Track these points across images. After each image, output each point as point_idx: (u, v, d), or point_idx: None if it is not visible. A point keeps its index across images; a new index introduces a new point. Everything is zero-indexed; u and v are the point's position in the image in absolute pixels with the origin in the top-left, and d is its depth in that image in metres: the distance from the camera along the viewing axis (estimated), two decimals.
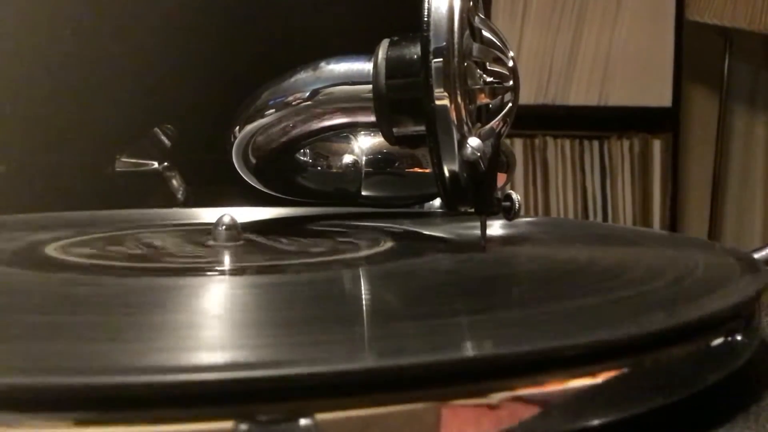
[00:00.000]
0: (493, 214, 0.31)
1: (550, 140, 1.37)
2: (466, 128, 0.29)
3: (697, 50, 1.42)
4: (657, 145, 1.37)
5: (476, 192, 0.30)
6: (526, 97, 1.34)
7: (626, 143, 1.37)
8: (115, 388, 0.14)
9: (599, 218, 1.36)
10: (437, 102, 0.28)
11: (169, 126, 0.68)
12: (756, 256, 0.32)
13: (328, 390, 0.15)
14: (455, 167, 0.29)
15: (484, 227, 0.31)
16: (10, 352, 0.16)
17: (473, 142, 0.28)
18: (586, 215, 1.37)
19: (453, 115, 0.28)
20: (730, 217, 1.51)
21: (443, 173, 0.29)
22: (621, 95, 1.36)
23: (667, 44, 1.35)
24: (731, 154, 1.50)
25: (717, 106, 1.45)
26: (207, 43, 0.71)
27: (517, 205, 0.31)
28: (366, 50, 0.31)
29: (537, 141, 1.37)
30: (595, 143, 1.37)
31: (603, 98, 1.36)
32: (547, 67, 1.36)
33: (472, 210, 0.31)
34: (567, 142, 1.37)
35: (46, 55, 0.68)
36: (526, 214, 1.20)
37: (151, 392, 0.14)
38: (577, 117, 1.36)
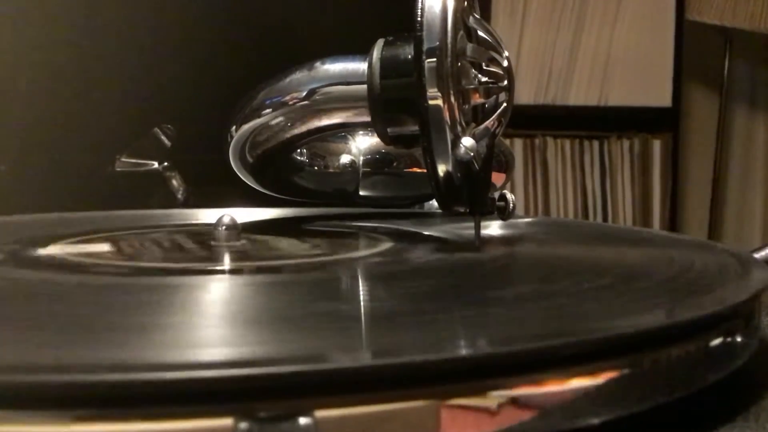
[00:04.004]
0: (488, 214, 0.31)
1: (550, 140, 1.37)
2: (459, 128, 0.29)
3: (697, 50, 1.42)
4: (657, 145, 1.37)
5: (470, 192, 0.30)
6: (526, 97, 1.34)
7: (626, 143, 1.37)
8: (115, 385, 0.14)
9: (599, 218, 1.36)
10: (430, 102, 0.28)
11: (169, 126, 0.68)
12: (756, 256, 0.32)
13: (328, 388, 0.15)
14: (449, 167, 0.29)
15: (478, 227, 0.31)
16: (9, 351, 0.16)
17: (467, 142, 0.28)
18: (586, 215, 1.37)
19: (446, 115, 0.28)
20: (730, 217, 1.51)
21: (437, 173, 0.29)
22: (621, 95, 1.36)
23: (667, 44, 1.35)
24: (731, 154, 1.50)
25: (717, 106, 1.45)
26: (207, 43, 0.71)
27: (511, 205, 0.31)
28: (364, 50, 0.31)
29: (537, 141, 1.37)
30: (595, 143, 1.37)
31: (603, 98, 1.36)
32: (547, 67, 1.36)
33: (467, 210, 0.31)
34: (567, 142, 1.37)
35: (46, 55, 0.68)
36: (526, 214, 1.20)
37: (150, 389, 0.14)
38: (577, 117, 1.36)
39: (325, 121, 0.32)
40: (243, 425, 0.14)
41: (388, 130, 0.31)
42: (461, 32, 0.29)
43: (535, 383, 0.16)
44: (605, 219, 1.36)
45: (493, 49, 0.30)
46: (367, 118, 0.31)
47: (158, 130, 0.68)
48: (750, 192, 1.51)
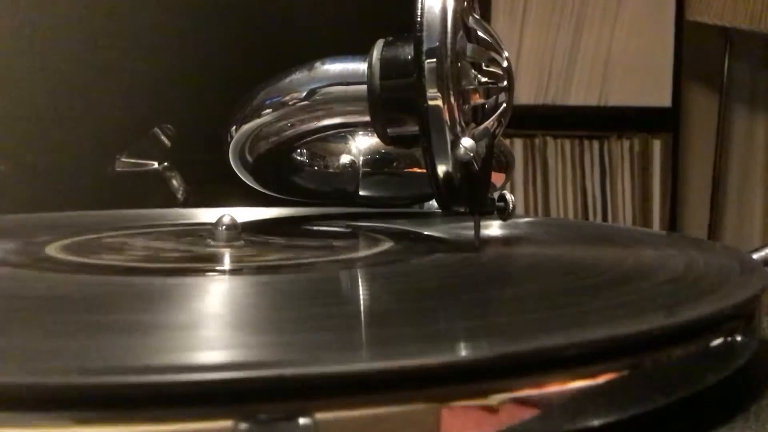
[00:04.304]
0: (487, 214, 0.31)
1: (550, 140, 1.37)
2: (459, 128, 0.29)
3: (697, 50, 1.42)
4: (657, 145, 1.37)
5: (470, 192, 0.30)
6: (526, 97, 1.34)
7: (626, 143, 1.37)
8: (115, 387, 0.14)
9: (599, 218, 1.36)
10: (430, 102, 0.28)
11: (169, 126, 0.68)
12: (756, 256, 0.32)
13: (328, 390, 0.15)
14: (448, 167, 0.29)
15: (477, 227, 0.31)
16: (10, 352, 0.16)
17: (466, 142, 0.28)
18: (586, 215, 1.37)
19: (446, 115, 0.28)
20: (730, 217, 1.51)
21: (436, 173, 0.29)
22: (621, 95, 1.36)
23: (667, 44, 1.35)
24: (731, 154, 1.50)
25: (717, 106, 1.45)
26: (207, 43, 0.71)
27: (511, 205, 0.31)
28: (363, 50, 0.31)
29: (537, 141, 1.37)
30: (595, 143, 1.37)
31: (603, 98, 1.36)
32: (547, 67, 1.36)
33: (466, 210, 0.31)
34: (567, 142, 1.37)
35: (47, 56, 0.68)
36: (526, 214, 1.20)
37: (151, 391, 0.14)
38: (577, 117, 1.36)
39: (325, 121, 0.32)
40: (243, 427, 0.14)
41: (388, 130, 0.31)
42: (461, 33, 0.29)
43: (535, 384, 0.16)
44: (605, 219, 1.36)
45: (492, 49, 0.30)
46: (367, 118, 0.31)
47: (158, 130, 0.68)
48: (750, 192, 1.51)
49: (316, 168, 0.38)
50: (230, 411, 0.14)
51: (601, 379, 0.17)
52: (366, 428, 0.15)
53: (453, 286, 0.26)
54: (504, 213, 0.31)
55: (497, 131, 0.31)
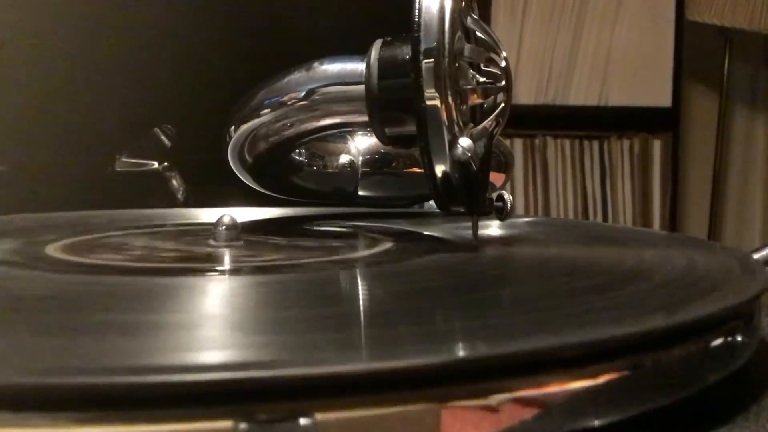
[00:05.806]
0: (485, 214, 0.31)
1: (550, 140, 1.37)
2: (457, 128, 0.29)
3: (697, 50, 1.42)
4: (657, 145, 1.37)
5: (468, 192, 0.30)
6: (526, 97, 1.33)
7: (626, 143, 1.37)
8: (115, 387, 0.14)
9: (599, 218, 1.36)
10: (427, 102, 0.28)
11: (169, 126, 0.68)
12: (756, 256, 0.32)
13: (328, 390, 0.15)
14: (446, 167, 0.29)
15: (476, 227, 0.31)
16: (10, 352, 0.16)
17: (464, 142, 0.28)
18: (586, 215, 1.36)
19: (443, 115, 0.28)
20: (730, 217, 1.51)
21: (434, 173, 0.29)
22: (621, 95, 1.36)
23: (667, 44, 1.35)
24: (731, 154, 1.50)
25: (717, 106, 1.44)
26: (206, 44, 0.71)
27: (509, 205, 0.31)
28: (362, 50, 0.31)
29: (537, 141, 1.37)
30: (595, 143, 1.37)
31: (603, 98, 1.36)
32: (547, 67, 1.35)
33: (464, 210, 0.31)
34: (567, 142, 1.37)
35: (47, 56, 0.68)
36: (526, 214, 1.20)
37: (150, 392, 0.14)
38: (577, 117, 1.36)
39: (324, 121, 0.32)
40: (243, 427, 0.14)
41: (386, 130, 0.31)
42: (459, 33, 0.29)
43: (535, 385, 0.16)
44: (605, 219, 1.36)
45: (491, 49, 0.30)
46: (366, 118, 0.31)
47: (158, 130, 0.68)
48: (750, 192, 1.51)
49: (315, 168, 0.38)
50: (230, 411, 0.14)
51: (601, 379, 0.17)
52: (366, 428, 0.15)
53: (452, 286, 0.26)
54: (502, 213, 0.31)
55: (495, 131, 0.31)
